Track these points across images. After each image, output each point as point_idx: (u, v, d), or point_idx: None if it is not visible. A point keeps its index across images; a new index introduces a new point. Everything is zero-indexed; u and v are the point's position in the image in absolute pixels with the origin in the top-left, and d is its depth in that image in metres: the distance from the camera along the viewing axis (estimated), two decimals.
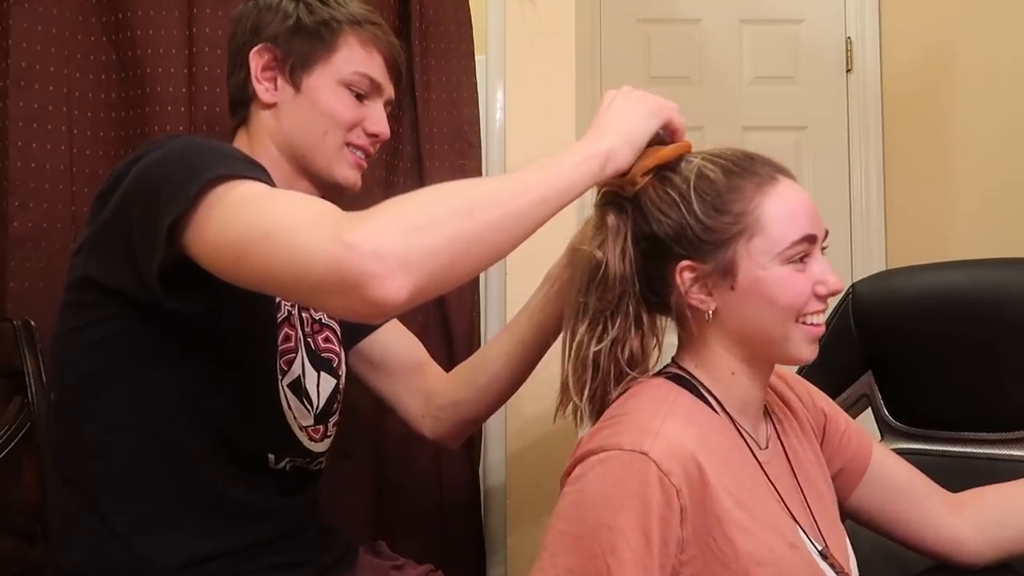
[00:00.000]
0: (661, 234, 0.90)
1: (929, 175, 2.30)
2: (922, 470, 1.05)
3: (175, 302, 0.85)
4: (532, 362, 1.17)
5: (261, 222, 0.77)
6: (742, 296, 0.88)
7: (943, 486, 1.04)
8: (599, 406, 0.92)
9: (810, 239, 0.87)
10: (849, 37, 2.44)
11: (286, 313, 1.04)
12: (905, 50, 2.38)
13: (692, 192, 0.89)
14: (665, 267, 0.90)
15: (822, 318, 0.90)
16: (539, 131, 1.61)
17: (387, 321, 1.23)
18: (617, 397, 0.91)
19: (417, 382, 1.24)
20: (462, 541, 1.53)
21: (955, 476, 1.13)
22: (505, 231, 0.79)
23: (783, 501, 0.89)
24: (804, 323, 0.88)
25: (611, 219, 0.93)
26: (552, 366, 1.58)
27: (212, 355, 0.94)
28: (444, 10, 1.55)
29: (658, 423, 0.83)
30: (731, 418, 0.91)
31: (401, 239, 0.72)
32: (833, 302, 0.99)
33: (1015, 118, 1.99)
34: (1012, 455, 1.14)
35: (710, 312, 0.89)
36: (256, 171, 0.87)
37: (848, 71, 2.44)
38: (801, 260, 0.87)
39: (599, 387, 0.92)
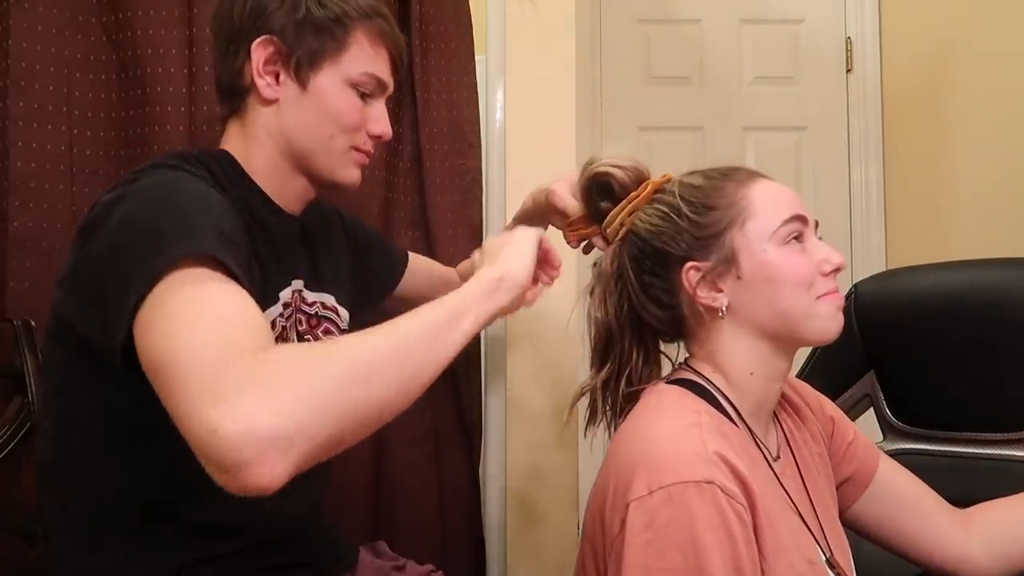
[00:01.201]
0: (659, 244, 0.93)
1: (929, 175, 2.30)
2: (924, 470, 1.05)
3: (135, 373, 0.78)
4: None
5: (166, 353, 0.71)
6: (750, 284, 0.89)
7: (945, 486, 1.04)
8: (616, 422, 0.97)
9: (800, 219, 0.90)
10: (849, 37, 2.44)
11: (280, 329, 1.03)
12: (905, 50, 2.38)
13: (679, 200, 0.93)
14: (670, 276, 0.93)
15: (839, 293, 0.92)
16: (539, 131, 1.60)
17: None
18: (630, 408, 0.93)
19: None
20: (462, 541, 1.53)
21: (957, 476, 1.13)
22: (386, 395, 0.73)
23: (800, 514, 0.89)
24: (825, 300, 0.90)
25: (592, 279, 0.99)
26: (555, 370, 1.59)
27: None
28: (444, 10, 1.55)
29: (704, 446, 0.82)
30: (749, 429, 0.91)
31: (271, 419, 0.64)
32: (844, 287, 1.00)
33: (1015, 118, 2.00)
34: (1014, 455, 1.14)
35: (724, 308, 0.90)
36: (222, 246, 0.80)
37: (848, 71, 2.44)
38: (797, 241, 0.90)
39: (611, 409, 0.97)
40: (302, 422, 0.66)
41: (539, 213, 1.15)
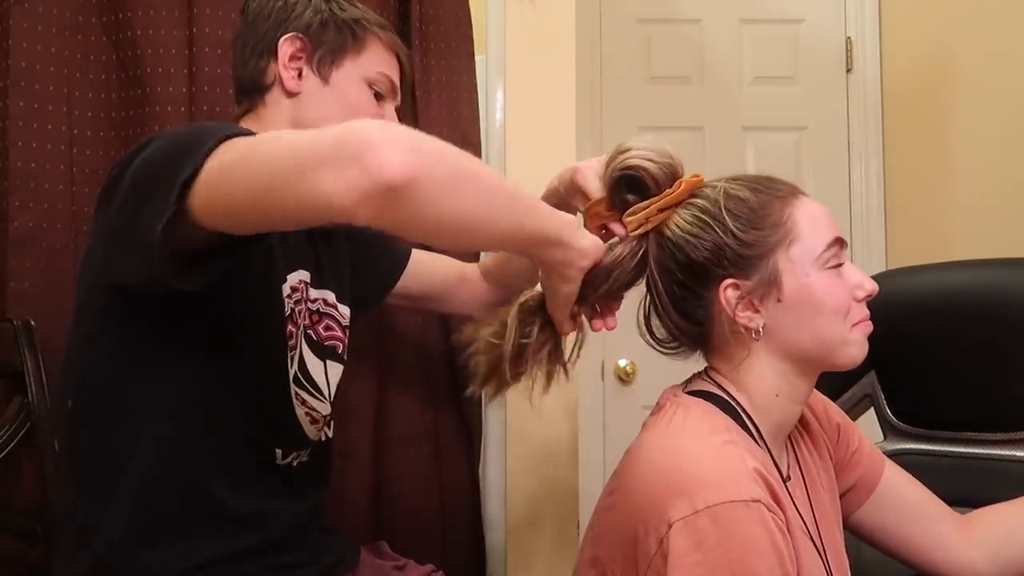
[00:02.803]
0: (698, 258, 0.89)
1: (929, 175, 2.29)
2: (925, 470, 1.05)
3: (182, 280, 0.82)
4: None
5: (280, 159, 0.75)
6: (790, 307, 0.88)
7: (946, 486, 1.03)
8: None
9: (840, 242, 0.90)
10: (849, 37, 2.44)
11: (288, 311, 1.04)
12: (905, 50, 2.38)
13: (724, 212, 0.89)
14: (705, 291, 0.90)
15: (868, 320, 0.91)
16: (539, 131, 1.61)
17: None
18: (649, 416, 0.92)
19: (466, 293, 1.31)
20: (462, 541, 1.53)
21: (957, 476, 1.13)
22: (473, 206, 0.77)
23: (809, 535, 0.89)
24: (857, 328, 0.90)
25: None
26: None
27: (224, 357, 0.95)
28: (444, 10, 1.55)
29: (745, 463, 0.80)
30: (768, 450, 0.90)
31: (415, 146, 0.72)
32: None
33: (1015, 118, 1.99)
34: (1015, 455, 1.14)
35: (760, 329, 0.88)
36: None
37: (848, 71, 2.44)
38: (836, 266, 0.89)
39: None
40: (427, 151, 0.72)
41: (562, 193, 1.13)
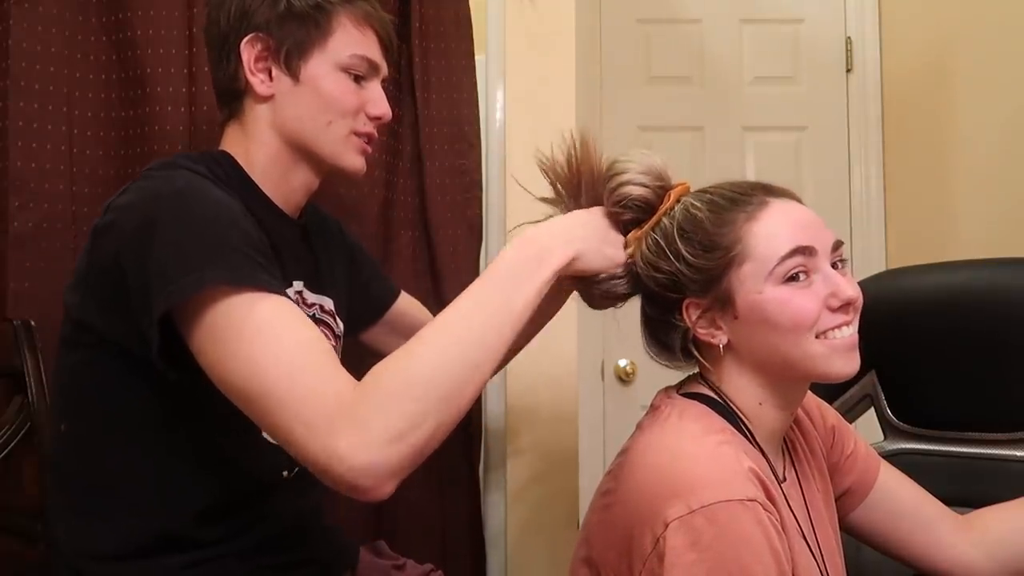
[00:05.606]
0: (657, 287, 0.91)
1: (929, 175, 2.29)
2: (925, 470, 1.04)
3: (176, 372, 0.85)
4: (528, 335, 1.17)
5: (257, 381, 0.77)
6: (746, 324, 0.87)
7: (947, 487, 1.03)
8: None
9: (803, 251, 0.85)
10: (849, 37, 2.44)
11: None
12: (905, 50, 2.38)
13: (676, 236, 0.89)
14: (670, 315, 0.91)
15: (850, 330, 0.87)
16: (539, 131, 1.60)
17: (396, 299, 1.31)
18: (644, 417, 0.93)
19: None
20: (462, 541, 1.53)
21: (958, 476, 1.12)
22: (478, 388, 0.81)
23: (805, 538, 0.88)
24: (826, 338, 0.85)
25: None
26: (553, 371, 1.59)
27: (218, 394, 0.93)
28: (444, 10, 1.55)
29: (740, 463, 0.80)
30: (763, 452, 0.89)
31: (388, 449, 0.73)
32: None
33: (1015, 118, 1.99)
34: (1016, 455, 1.14)
35: (722, 345, 0.89)
36: (255, 268, 0.84)
37: (848, 71, 2.44)
38: (800, 277, 0.85)
39: None
40: (410, 450, 0.74)
41: None
